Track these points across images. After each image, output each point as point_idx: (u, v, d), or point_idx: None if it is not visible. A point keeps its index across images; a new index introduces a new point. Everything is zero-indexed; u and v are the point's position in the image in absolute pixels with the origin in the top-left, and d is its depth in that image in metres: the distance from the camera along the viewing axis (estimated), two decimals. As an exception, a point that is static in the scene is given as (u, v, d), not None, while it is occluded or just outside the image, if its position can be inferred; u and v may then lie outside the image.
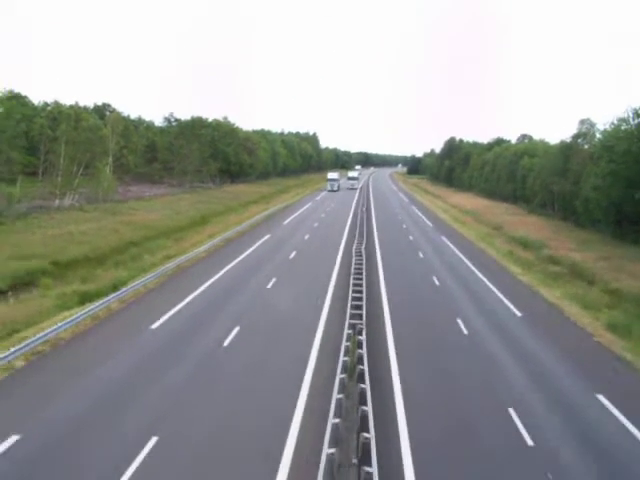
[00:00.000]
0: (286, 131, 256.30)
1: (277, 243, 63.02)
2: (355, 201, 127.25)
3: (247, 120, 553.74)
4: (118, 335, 30.23)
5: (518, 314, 36.97)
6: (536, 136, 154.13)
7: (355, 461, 17.72)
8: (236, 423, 20.80)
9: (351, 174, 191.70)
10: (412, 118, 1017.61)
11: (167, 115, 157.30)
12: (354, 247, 56.43)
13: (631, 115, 67.08)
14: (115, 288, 37.87)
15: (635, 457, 19.57)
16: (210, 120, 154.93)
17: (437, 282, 45.35)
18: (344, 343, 27.00)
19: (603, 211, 67.54)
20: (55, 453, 18.20)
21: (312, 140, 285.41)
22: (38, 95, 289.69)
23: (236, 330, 30.93)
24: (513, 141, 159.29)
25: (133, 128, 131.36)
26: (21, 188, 71.87)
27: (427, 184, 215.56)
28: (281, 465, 17.95)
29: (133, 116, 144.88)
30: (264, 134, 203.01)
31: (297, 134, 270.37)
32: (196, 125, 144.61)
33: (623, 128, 68.23)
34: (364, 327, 29.99)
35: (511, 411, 22.45)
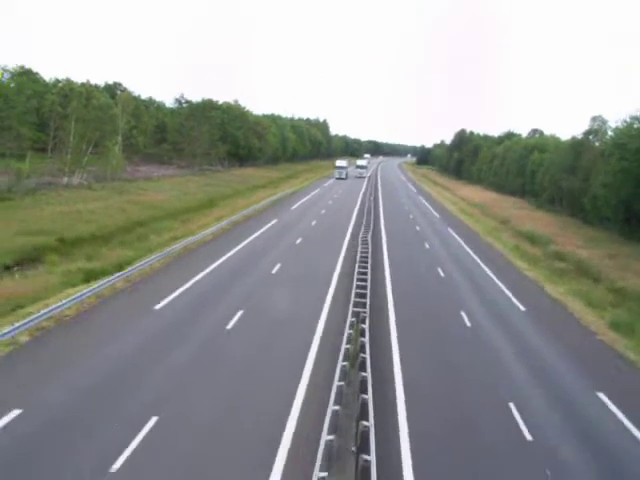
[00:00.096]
0: (296, 117, 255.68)
1: (284, 228, 63.06)
2: (363, 189, 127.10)
3: (258, 104, 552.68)
4: (122, 314, 30.34)
5: (522, 309, 36.94)
6: (547, 131, 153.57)
7: (354, 449, 17.76)
8: (237, 404, 20.92)
9: (360, 162, 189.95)
10: (423, 108, 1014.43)
11: (178, 96, 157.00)
12: (360, 235, 56.40)
13: (644, 113, 66.74)
14: (121, 267, 37.95)
15: (633, 456, 19.61)
16: (221, 103, 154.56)
17: (442, 274, 45.31)
18: (347, 331, 27.06)
19: (612, 209, 67.25)
20: (55, 429, 18.29)
21: (322, 127, 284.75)
22: (50, 72, 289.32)
23: (240, 313, 30.99)
24: (524, 135, 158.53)
25: (144, 108, 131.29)
26: (30, 164, 71.98)
27: (436, 175, 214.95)
28: (281, 446, 18.07)
29: (144, 96, 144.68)
30: (274, 119, 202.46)
31: (307, 120, 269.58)
32: (206, 107, 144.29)
33: (635, 126, 67.86)
34: (367, 316, 30.00)
35: (511, 406, 22.47)
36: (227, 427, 19.27)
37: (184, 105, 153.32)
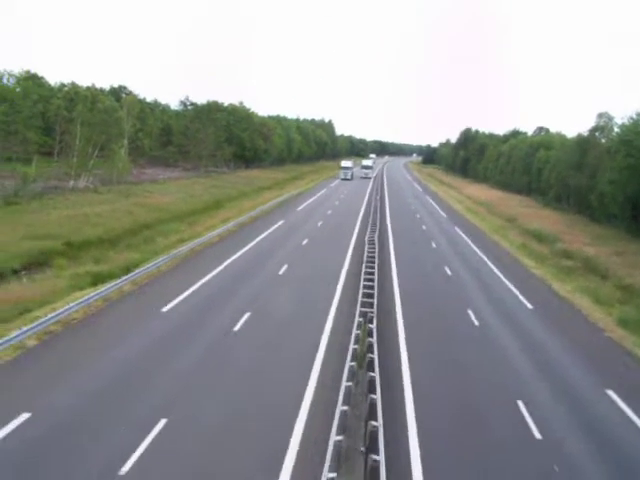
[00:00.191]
0: (302, 118, 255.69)
1: (290, 229, 63.04)
2: (369, 189, 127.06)
3: (263, 105, 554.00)
4: (129, 317, 30.38)
5: (529, 307, 36.87)
6: (553, 129, 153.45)
7: (363, 449, 17.74)
8: (245, 407, 20.90)
9: (365, 163, 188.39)
10: (428, 108, 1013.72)
11: (183, 99, 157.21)
12: (367, 235, 56.37)
13: (651, 110, 66.66)
14: (128, 270, 37.99)
15: (643, 453, 19.57)
16: (226, 105, 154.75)
17: (449, 272, 45.27)
18: (355, 331, 27.05)
19: (619, 206, 67.13)
20: (64, 432, 18.32)
21: (327, 127, 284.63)
22: (55, 76, 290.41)
23: (247, 315, 30.99)
24: (529, 133, 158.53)
25: (149, 111, 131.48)
26: (36, 168, 72.17)
27: (442, 174, 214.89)
28: (289, 449, 18.06)
29: (149, 99, 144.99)
30: (279, 120, 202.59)
31: (312, 121, 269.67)
32: (212, 109, 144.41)
33: (642, 123, 67.78)
34: (375, 315, 29.97)
35: (520, 403, 22.44)
36: (235, 430, 19.25)
37: (189, 107, 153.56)
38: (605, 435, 20.60)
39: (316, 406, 21.08)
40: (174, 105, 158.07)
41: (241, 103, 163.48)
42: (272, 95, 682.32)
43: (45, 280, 35.36)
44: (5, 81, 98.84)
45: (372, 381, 21.10)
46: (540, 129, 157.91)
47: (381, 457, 16.11)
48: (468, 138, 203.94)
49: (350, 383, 21.06)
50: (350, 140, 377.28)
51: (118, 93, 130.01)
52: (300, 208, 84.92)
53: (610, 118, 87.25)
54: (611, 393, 24.03)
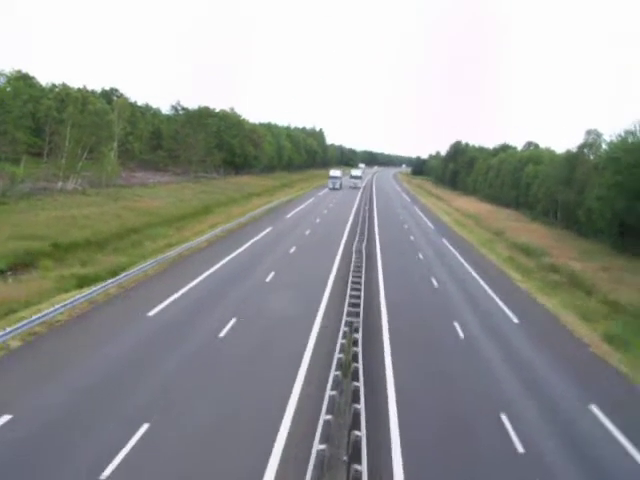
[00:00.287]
0: (292, 126, 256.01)
1: (278, 236, 63.01)
2: (358, 198, 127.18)
3: (254, 112, 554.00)
4: (115, 320, 30.28)
5: (515, 321, 36.94)
6: (542, 144, 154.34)
7: (345, 459, 17.70)
8: (227, 413, 20.85)
9: (354, 172, 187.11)
10: (418, 119, 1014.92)
11: (174, 103, 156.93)
12: (354, 245, 56.41)
13: (638, 128, 67.12)
14: (114, 273, 37.87)
15: (624, 469, 19.60)
16: (217, 110, 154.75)
17: (436, 284, 45.33)
18: (340, 340, 27.02)
19: (606, 222, 67.43)
20: (45, 435, 18.21)
21: (318, 136, 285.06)
22: (46, 77, 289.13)
23: (232, 321, 30.92)
24: (519, 148, 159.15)
25: (140, 114, 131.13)
26: (25, 168, 71.85)
27: (431, 186, 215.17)
28: (272, 456, 18.00)
29: (140, 102, 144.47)
30: (270, 127, 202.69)
31: (303, 129, 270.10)
32: (203, 115, 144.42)
33: (630, 140, 68.23)
34: (360, 325, 29.95)
35: (503, 417, 22.44)
36: (217, 436, 19.19)
37: (180, 112, 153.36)
38: (587, 450, 20.63)
39: (300, 414, 21.02)
40: (165, 109, 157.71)
41: (232, 109, 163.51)
42: (263, 102, 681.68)
43: (31, 281, 35.19)
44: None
45: (356, 390, 21.08)
46: (529, 144, 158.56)
47: (364, 467, 16.09)
48: (458, 151, 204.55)
49: (334, 392, 21.03)
50: (340, 149, 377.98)
51: (109, 96, 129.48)
52: (289, 216, 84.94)
53: (598, 135, 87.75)
54: (594, 408, 24.07)
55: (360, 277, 40.67)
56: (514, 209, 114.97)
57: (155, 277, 40.18)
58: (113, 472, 16.49)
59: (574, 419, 23.21)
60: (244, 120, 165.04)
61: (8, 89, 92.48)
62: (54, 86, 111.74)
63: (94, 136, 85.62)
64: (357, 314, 31.67)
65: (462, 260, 58.13)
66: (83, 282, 35.63)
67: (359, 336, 27.64)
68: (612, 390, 26.86)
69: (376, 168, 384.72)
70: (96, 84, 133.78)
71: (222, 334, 29.15)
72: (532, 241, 68.67)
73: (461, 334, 32.92)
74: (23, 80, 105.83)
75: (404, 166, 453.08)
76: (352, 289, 36.85)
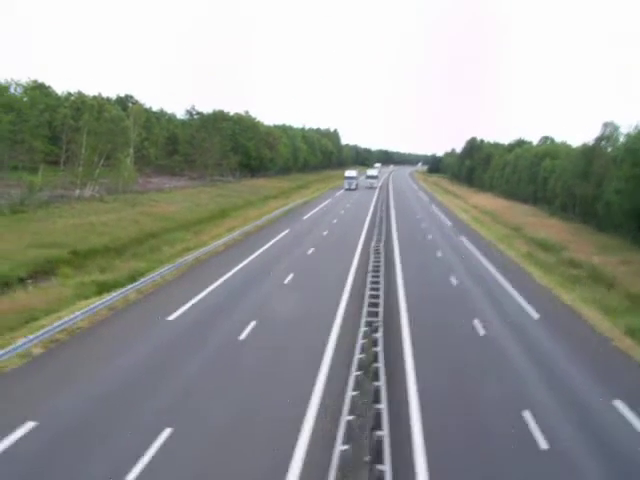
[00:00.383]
0: (307, 127, 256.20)
1: (295, 238, 63.04)
2: (375, 198, 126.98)
3: (269, 115, 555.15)
4: (135, 326, 30.42)
5: (535, 316, 36.70)
6: (558, 138, 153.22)
7: (367, 459, 17.66)
8: (249, 417, 20.85)
9: (370, 172, 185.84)
10: (433, 117, 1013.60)
11: (189, 108, 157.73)
12: (372, 245, 56.29)
13: (656, 119, 66.59)
14: (133, 279, 38.05)
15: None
16: (232, 114, 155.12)
17: (455, 282, 45.14)
18: (360, 340, 26.97)
19: (625, 215, 66.85)
20: (70, 441, 18.33)
21: (333, 136, 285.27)
22: (62, 85, 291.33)
23: (252, 324, 30.97)
24: (534, 142, 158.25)
25: (155, 120, 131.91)
26: (43, 177, 72.37)
27: (447, 183, 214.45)
28: (293, 459, 17.98)
29: (155, 108, 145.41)
30: (285, 129, 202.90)
31: (318, 130, 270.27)
32: (217, 118, 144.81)
33: (648, 132, 67.70)
34: (380, 325, 29.87)
35: (526, 414, 22.30)
36: (240, 439, 19.20)
37: (195, 116, 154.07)
38: (612, 446, 20.43)
39: (321, 416, 21.00)
40: (180, 114, 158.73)
41: (247, 112, 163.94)
42: (278, 105, 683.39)
43: (51, 289, 35.43)
44: (12, 90, 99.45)
45: (377, 390, 21.02)
46: (545, 138, 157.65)
47: (387, 467, 16.04)
48: (473, 147, 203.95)
49: (356, 392, 20.99)
50: (355, 149, 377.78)
51: (124, 102, 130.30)
52: (306, 217, 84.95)
53: (616, 127, 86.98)
54: (618, 403, 23.86)
55: (379, 277, 40.56)
56: (531, 204, 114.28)
57: (174, 282, 40.32)
58: (137, 476, 16.57)
59: (598, 415, 23.00)
60: (259, 123, 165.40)
61: (25, 99, 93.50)
62: (70, 94, 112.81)
63: (110, 143, 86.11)
64: (376, 314, 31.57)
65: (480, 257, 57.86)
66: (102, 288, 35.83)
67: (379, 336, 27.59)
68: (636, 385, 26.60)
69: (392, 167, 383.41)
70: (111, 91, 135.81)
71: (242, 336, 29.19)
72: (550, 236, 68.24)
73: (481, 331, 32.75)
74: (39, 89, 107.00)
75: (420, 164, 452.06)
76: (371, 289, 36.74)
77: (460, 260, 55.72)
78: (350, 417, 19.02)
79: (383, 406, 19.65)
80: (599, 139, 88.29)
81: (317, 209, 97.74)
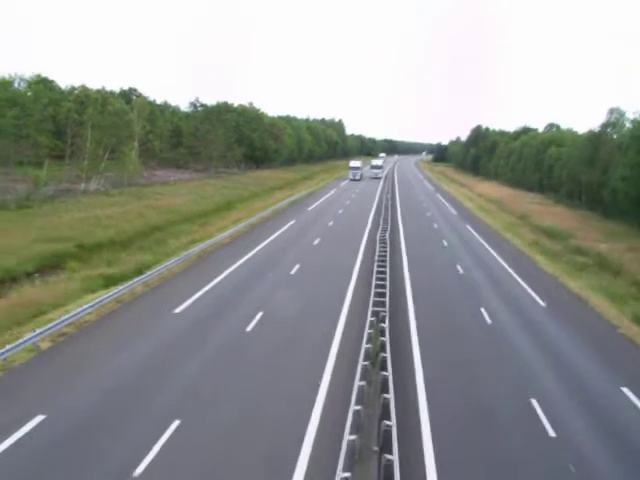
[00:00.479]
0: (312, 117, 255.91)
1: (301, 229, 63.06)
2: (380, 188, 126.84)
3: (273, 106, 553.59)
4: (142, 319, 30.45)
5: (542, 304, 36.68)
6: (563, 125, 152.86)
7: (376, 449, 17.69)
8: (257, 407, 20.90)
9: (375, 162, 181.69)
10: (438, 105, 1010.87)
11: (193, 100, 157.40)
12: (378, 234, 56.26)
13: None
14: (139, 272, 38.10)
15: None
16: (236, 105, 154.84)
17: (461, 270, 45.12)
18: (367, 330, 26.98)
19: (631, 202, 66.62)
20: (78, 434, 18.41)
21: (337, 127, 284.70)
22: (66, 79, 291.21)
23: (259, 315, 31.01)
24: (540, 130, 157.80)
25: (159, 113, 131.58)
26: (48, 171, 72.36)
27: (453, 172, 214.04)
28: (301, 454, 18.04)
29: (159, 101, 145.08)
30: (289, 120, 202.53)
31: (322, 120, 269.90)
32: (222, 110, 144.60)
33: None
34: (387, 315, 29.88)
35: (533, 402, 22.32)
36: (246, 432, 19.23)
37: (199, 109, 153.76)
38: (619, 433, 20.43)
39: (328, 408, 21.03)
40: (184, 107, 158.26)
41: (251, 104, 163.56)
42: (282, 95, 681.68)
43: (58, 283, 35.50)
44: (16, 85, 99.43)
45: (385, 380, 21.04)
46: (551, 125, 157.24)
47: (395, 456, 16.06)
48: (479, 135, 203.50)
49: (363, 382, 21.01)
50: (360, 139, 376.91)
51: (128, 95, 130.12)
52: (311, 208, 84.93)
53: (621, 114, 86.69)
54: (626, 390, 23.86)
55: (385, 266, 40.56)
56: (537, 192, 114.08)
57: (180, 274, 40.36)
58: (147, 468, 16.67)
59: (605, 402, 23.01)
60: (263, 114, 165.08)
61: (29, 93, 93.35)
62: (73, 88, 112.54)
63: (115, 136, 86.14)
64: (383, 304, 31.58)
65: (487, 245, 57.81)
66: (109, 282, 35.89)
67: (386, 325, 27.61)
68: (643, 371, 26.58)
69: (397, 157, 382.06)
70: (115, 84, 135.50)
71: (249, 328, 29.24)
72: (556, 224, 68.13)
73: (488, 320, 32.76)
74: (43, 84, 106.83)
75: (424, 153, 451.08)
76: (377, 279, 36.74)
77: (466, 249, 55.68)
78: (358, 407, 19.06)
79: (390, 395, 19.66)
80: (605, 126, 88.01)
81: (322, 199, 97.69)
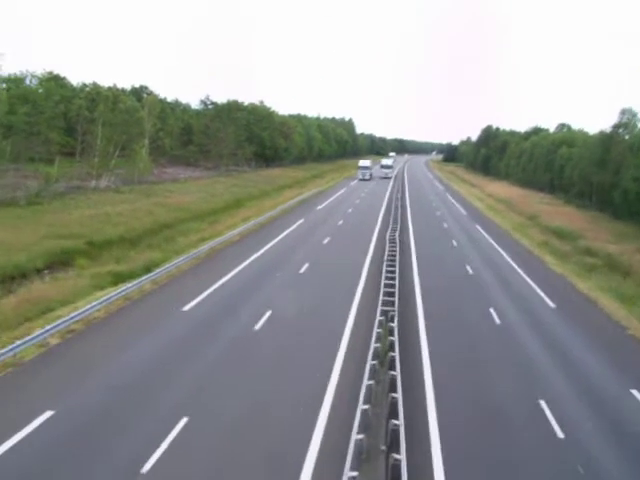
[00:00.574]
0: (322, 116, 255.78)
1: (311, 228, 63.03)
2: (390, 187, 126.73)
3: (283, 104, 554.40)
4: (150, 316, 30.50)
5: (552, 305, 36.57)
6: (575, 125, 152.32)
7: (384, 448, 17.67)
8: (264, 406, 20.88)
9: (385, 162, 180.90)
10: (449, 105, 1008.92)
11: (203, 98, 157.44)
12: (388, 234, 56.20)
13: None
14: (148, 269, 38.17)
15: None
16: (246, 104, 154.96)
17: (470, 270, 45.03)
18: (375, 330, 26.94)
19: (642, 203, 66.40)
20: (86, 430, 18.45)
21: (348, 125, 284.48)
22: (77, 77, 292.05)
23: (267, 314, 31.00)
24: (551, 130, 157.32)
25: (170, 110, 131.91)
26: (59, 168, 72.63)
27: (463, 172, 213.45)
28: (309, 451, 18.03)
29: (170, 98, 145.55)
30: (300, 119, 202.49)
31: (333, 119, 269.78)
32: (232, 108, 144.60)
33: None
34: (396, 314, 29.84)
35: (542, 403, 22.25)
36: (254, 430, 19.21)
37: (209, 106, 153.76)
38: (629, 436, 20.33)
39: (336, 407, 21.01)
40: (195, 104, 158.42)
41: (261, 102, 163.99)
42: (292, 94, 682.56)
43: (67, 279, 35.58)
44: (28, 82, 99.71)
45: (393, 380, 21.00)
46: (562, 126, 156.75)
47: (402, 456, 16.04)
48: (489, 135, 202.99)
49: (371, 382, 20.99)
50: (370, 138, 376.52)
51: (139, 93, 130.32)
52: (321, 207, 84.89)
53: (633, 114, 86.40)
54: (636, 393, 23.75)
55: (394, 266, 40.52)
56: (547, 193, 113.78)
57: (189, 272, 40.41)
58: (155, 464, 16.70)
59: (614, 404, 22.91)
60: (274, 112, 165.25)
61: (40, 90, 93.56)
62: (85, 86, 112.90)
63: (125, 134, 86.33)
64: (392, 303, 31.54)
65: (496, 246, 57.68)
66: (118, 279, 35.95)
67: (394, 325, 27.57)
68: (653, 373, 26.45)
69: (407, 157, 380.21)
70: (126, 82, 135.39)
71: (257, 327, 29.24)
72: (566, 224, 67.93)
73: (497, 320, 32.68)
74: (54, 81, 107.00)
75: (434, 153, 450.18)
76: (387, 278, 36.71)
77: (475, 249, 55.58)
78: (366, 406, 19.05)
79: (398, 394, 19.63)
80: (616, 126, 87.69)
81: (332, 198, 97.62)
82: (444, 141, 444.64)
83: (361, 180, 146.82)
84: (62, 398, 20.38)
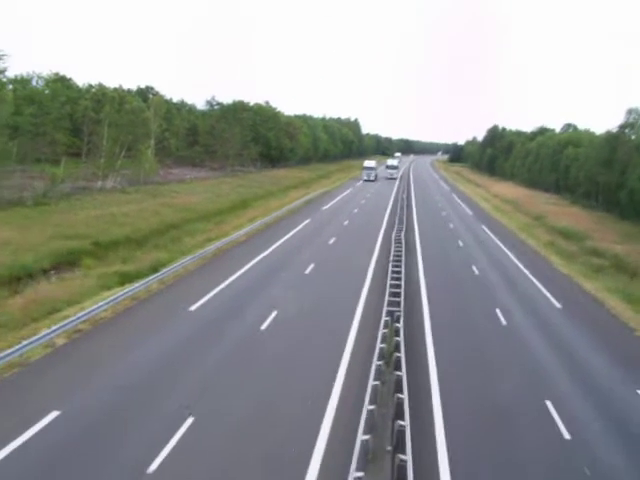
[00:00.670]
0: (328, 117, 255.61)
1: (316, 228, 63.04)
2: (396, 187, 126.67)
3: (289, 105, 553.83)
4: (157, 316, 30.51)
5: (558, 306, 36.51)
6: (580, 125, 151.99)
7: (389, 448, 17.66)
8: (270, 406, 20.89)
9: (390, 162, 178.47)
10: (455, 105, 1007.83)
11: (209, 99, 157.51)
12: (394, 234, 56.18)
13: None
14: (155, 270, 38.19)
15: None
16: (252, 104, 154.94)
17: (476, 271, 44.99)
18: (381, 330, 26.94)
19: (649, 203, 66.22)
20: (93, 430, 18.47)
21: (353, 126, 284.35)
22: (83, 78, 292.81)
23: (273, 314, 31.00)
24: (557, 130, 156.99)
25: (175, 111, 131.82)
26: (65, 169, 72.64)
27: (469, 172, 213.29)
28: (315, 449, 18.02)
29: (175, 99, 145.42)
30: (305, 119, 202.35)
31: (338, 119, 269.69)
32: (238, 109, 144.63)
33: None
34: (402, 314, 29.82)
35: (548, 404, 22.22)
36: (261, 429, 19.23)
37: (215, 107, 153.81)
38: (638, 436, 20.29)
39: (342, 407, 21.00)
40: (200, 105, 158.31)
41: (267, 103, 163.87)
42: (298, 95, 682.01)
43: (74, 280, 35.62)
44: (34, 83, 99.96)
45: (399, 380, 20.99)
46: (568, 126, 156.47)
47: (408, 456, 16.03)
48: (495, 136, 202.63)
49: (377, 382, 20.98)
50: (376, 138, 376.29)
51: (145, 94, 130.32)
52: (326, 207, 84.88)
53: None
54: (642, 393, 23.72)
55: (400, 267, 40.48)
56: (553, 193, 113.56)
57: (195, 272, 40.44)
58: (161, 464, 16.70)
59: (621, 405, 22.87)
60: (279, 113, 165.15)
61: (46, 91, 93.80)
62: (91, 86, 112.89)
63: (131, 134, 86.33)
64: (398, 303, 31.53)
65: (502, 246, 57.63)
66: (125, 279, 35.97)
67: (400, 325, 27.55)
68: (659, 374, 26.39)
69: (412, 157, 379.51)
70: (132, 83, 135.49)
71: (263, 327, 29.26)
72: (572, 225, 67.82)
73: (503, 320, 32.64)
74: (61, 82, 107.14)
75: (440, 153, 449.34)
76: (392, 279, 36.70)
77: (481, 249, 55.54)
78: (372, 406, 19.05)
79: (404, 395, 19.63)
80: (623, 126, 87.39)
81: (338, 199, 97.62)
82: (450, 141, 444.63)
83: (366, 181, 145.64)
84: (68, 398, 20.41)
